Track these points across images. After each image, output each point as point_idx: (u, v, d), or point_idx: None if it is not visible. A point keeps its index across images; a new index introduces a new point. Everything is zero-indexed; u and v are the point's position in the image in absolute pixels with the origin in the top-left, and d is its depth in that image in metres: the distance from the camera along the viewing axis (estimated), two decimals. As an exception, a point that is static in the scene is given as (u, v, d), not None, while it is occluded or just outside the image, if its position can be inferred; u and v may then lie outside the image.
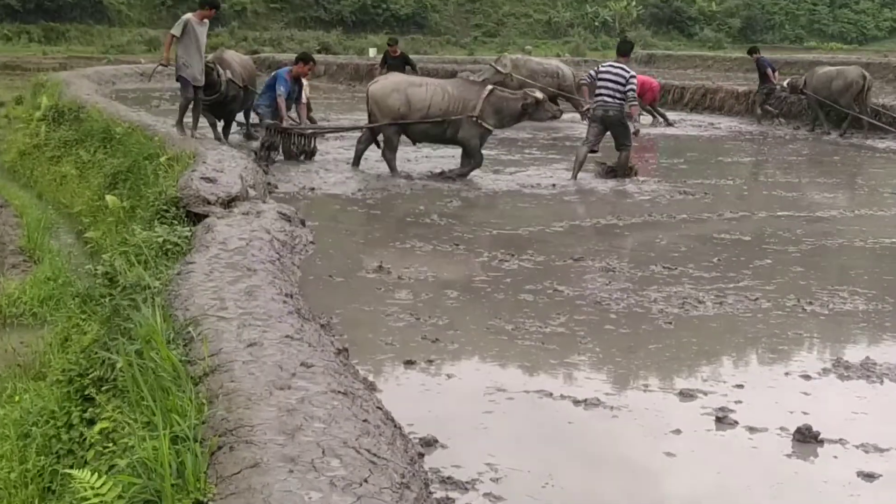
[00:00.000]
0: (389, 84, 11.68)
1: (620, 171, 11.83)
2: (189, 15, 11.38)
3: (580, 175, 11.79)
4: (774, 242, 8.61)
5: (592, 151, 11.83)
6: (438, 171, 11.86)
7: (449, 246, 8.14)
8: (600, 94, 11.57)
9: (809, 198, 11.10)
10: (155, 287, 5.14)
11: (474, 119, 11.47)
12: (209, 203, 7.43)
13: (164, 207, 7.29)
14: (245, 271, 5.60)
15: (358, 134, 12.53)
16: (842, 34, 56.18)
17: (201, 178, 7.93)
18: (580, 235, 8.88)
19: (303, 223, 8.18)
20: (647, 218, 9.63)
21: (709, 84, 22.94)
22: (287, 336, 4.39)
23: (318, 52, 40.55)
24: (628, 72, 11.44)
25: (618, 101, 11.44)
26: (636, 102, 11.80)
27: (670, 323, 6.10)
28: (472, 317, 6.20)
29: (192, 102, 11.54)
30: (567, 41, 50.48)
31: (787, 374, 5.34)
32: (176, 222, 7.02)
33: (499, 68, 18.02)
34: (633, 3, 55.76)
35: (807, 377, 5.27)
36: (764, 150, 15.93)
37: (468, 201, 10.42)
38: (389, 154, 11.75)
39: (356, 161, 12.09)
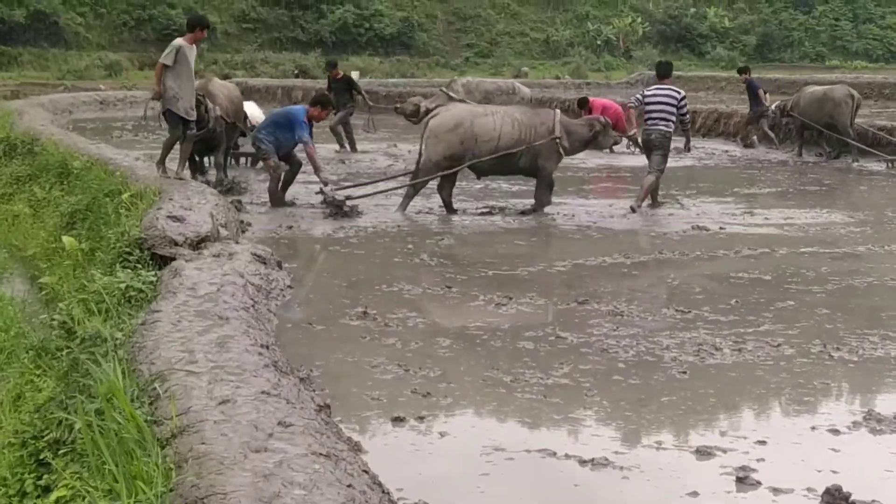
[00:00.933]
0: (452, 116, 11.69)
1: (644, 195, 12.28)
2: (179, 40, 11.03)
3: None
4: (797, 282, 8.64)
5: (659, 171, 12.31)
6: (497, 207, 11.96)
7: (440, 289, 8.15)
8: (651, 119, 12.20)
9: (835, 232, 11.16)
10: (117, 339, 5.13)
11: (556, 142, 11.70)
12: (176, 244, 7.45)
13: (127, 250, 7.30)
14: (216, 320, 5.60)
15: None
16: (867, 52, 56.87)
17: (168, 216, 7.95)
18: (584, 276, 8.91)
19: (279, 265, 8.19)
20: (657, 256, 9.68)
21: (722, 108, 23.02)
22: (263, 392, 4.39)
23: (296, 76, 40.90)
24: (679, 93, 12.21)
25: (665, 124, 12.13)
26: (689, 126, 12.73)
27: (684, 372, 6.11)
28: (467, 367, 6.20)
29: (181, 140, 11.23)
30: (567, 62, 50.96)
31: (813, 428, 5.35)
32: (140, 266, 7.03)
33: (451, 94, 18.10)
34: (639, 19, 56.40)
35: (835, 431, 5.28)
36: (781, 178, 16.04)
37: (461, 239, 10.45)
38: (446, 191, 11.76)
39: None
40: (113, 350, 4.87)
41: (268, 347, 5.36)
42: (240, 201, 11.60)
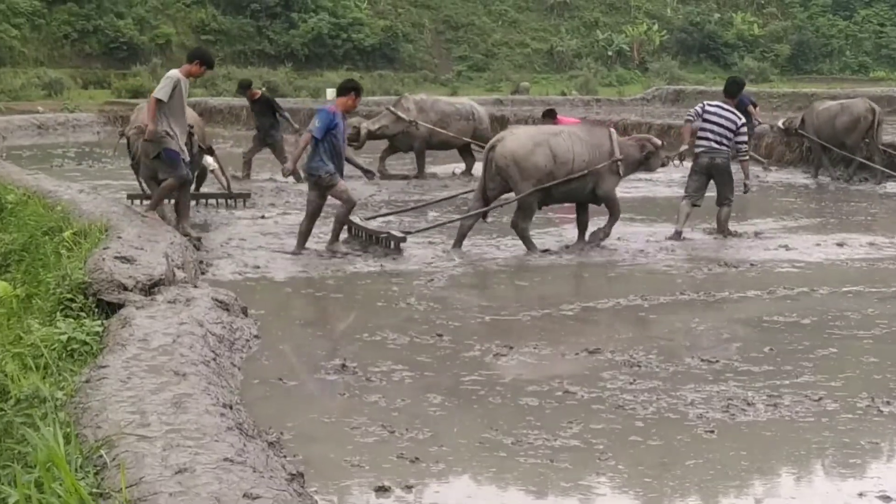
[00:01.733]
0: (528, 138, 11.81)
1: (719, 228, 12.77)
2: (177, 72, 11.15)
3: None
4: (841, 326, 8.67)
5: (695, 205, 12.71)
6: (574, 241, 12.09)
7: (430, 337, 8.16)
8: (706, 139, 12.58)
9: (882, 268, 11.22)
10: (57, 399, 5.13)
11: (617, 164, 11.94)
12: (126, 289, 7.45)
13: (69, 296, 7.30)
14: (172, 376, 5.60)
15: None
16: (918, 61, 57.31)
17: (116, 257, 7.97)
18: (596, 321, 8.92)
19: (245, 312, 8.20)
20: (679, 297, 9.71)
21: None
22: (226, 459, 4.38)
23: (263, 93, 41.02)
24: (740, 118, 12.74)
25: (726, 148, 12.62)
26: (747, 157, 13.09)
27: (712, 431, 6.12)
28: (462, 428, 6.20)
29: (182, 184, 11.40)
30: (573, 75, 51.31)
31: (861, 494, 5.36)
32: (84, 314, 7.02)
33: (400, 114, 18.09)
34: (655, 27, 56.86)
35: (886, 499, 5.29)
36: (823, 206, 16.12)
37: (453, 279, 10.48)
38: (524, 224, 11.82)
39: (458, 242, 11.87)
40: (53, 412, 4.86)
41: (231, 407, 5.36)
42: (199, 239, 11.63)
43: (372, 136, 18.20)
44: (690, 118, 12.95)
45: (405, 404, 6.56)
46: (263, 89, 21.22)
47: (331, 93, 37.13)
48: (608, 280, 10.63)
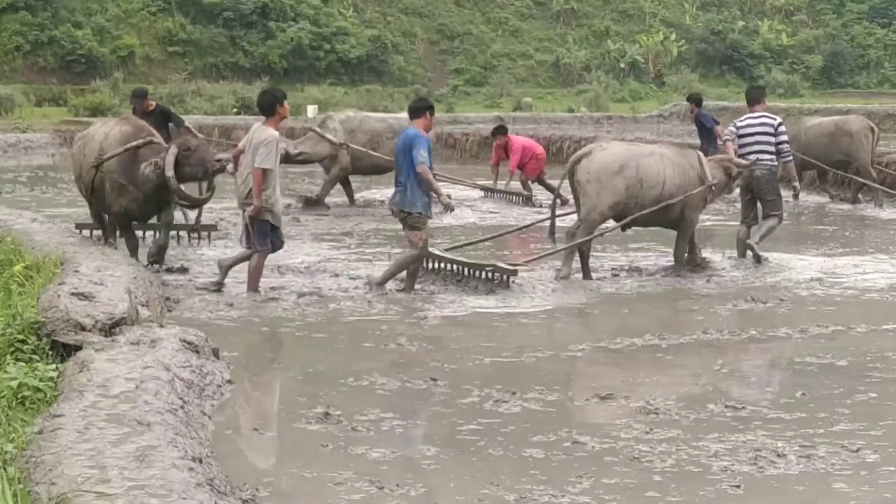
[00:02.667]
0: (618, 154, 12.07)
1: (763, 235, 13.09)
2: (274, 132, 10.97)
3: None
4: (880, 368, 8.67)
5: (750, 226, 13.19)
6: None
7: (423, 381, 8.16)
8: (750, 153, 13.07)
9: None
10: (7, 452, 5.12)
11: (711, 188, 12.36)
12: (84, 329, 7.45)
13: (20, 337, 7.29)
14: (135, 426, 5.60)
15: None
16: (964, 74, 57.59)
17: (72, 293, 7.97)
18: (607, 363, 8.92)
19: (216, 354, 8.19)
20: (700, 336, 9.71)
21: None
22: (195, 518, 4.38)
23: (237, 112, 41.22)
24: (774, 119, 13.26)
25: (769, 158, 13.07)
26: (790, 158, 13.47)
27: (738, 486, 6.11)
28: (459, 483, 6.19)
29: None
30: (582, 90, 51.55)
31: (905, 555, 5.35)
32: (37, 357, 7.02)
33: (327, 136, 17.51)
34: (673, 36, 57.16)
35: (933, 560, 5.28)
36: (859, 234, 16.16)
37: (449, 317, 10.48)
38: (585, 249, 12.09)
39: (586, 274, 12.01)
40: (2, 467, 4.85)
41: (201, 461, 5.35)
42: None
43: (291, 160, 17.37)
44: (728, 138, 13.47)
45: (396, 456, 6.55)
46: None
47: (312, 110, 37.30)
48: (621, 317, 10.63)
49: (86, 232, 13.08)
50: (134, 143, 11.67)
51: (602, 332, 9.96)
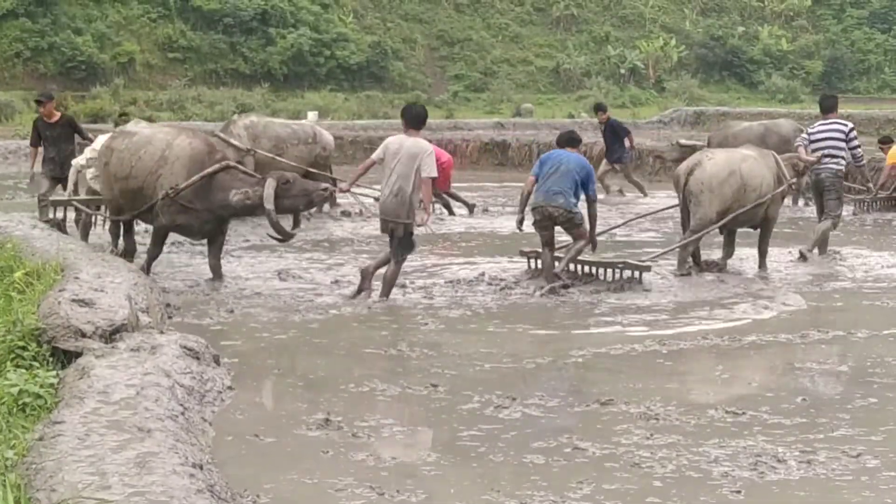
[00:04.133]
0: (724, 164, 12.71)
1: (814, 243, 13.83)
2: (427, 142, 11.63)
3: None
4: (881, 374, 8.68)
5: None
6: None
7: (424, 388, 8.16)
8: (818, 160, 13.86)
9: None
10: (7, 459, 5.12)
11: (791, 187, 13.38)
12: (84, 335, 7.45)
13: (21, 343, 7.30)
14: (135, 433, 5.60)
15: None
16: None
17: (73, 300, 7.97)
18: (608, 368, 8.92)
19: (217, 361, 8.19)
20: (701, 341, 9.71)
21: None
22: (196, 525, 4.38)
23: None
24: (846, 125, 14.11)
25: (834, 162, 13.91)
26: (863, 162, 14.59)
27: (739, 492, 6.11)
28: (460, 489, 6.19)
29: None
30: (582, 95, 51.60)
31: (905, 561, 5.35)
32: (37, 364, 7.02)
33: (233, 141, 16.56)
34: (673, 42, 57.22)
35: (934, 565, 5.28)
36: (866, 238, 16.16)
37: (449, 323, 10.48)
38: (688, 251, 12.63)
39: (700, 263, 12.79)
40: (2, 473, 4.85)
41: (202, 467, 5.35)
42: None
43: None
44: (800, 144, 14.18)
45: (396, 463, 6.55)
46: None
47: (312, 116, 37.27)
48: (621, 323, 10.63)
49: (58, 213, 13.38)
50: (214, 169, 11.56)
51: (601, 338, 9.96)
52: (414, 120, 11.25)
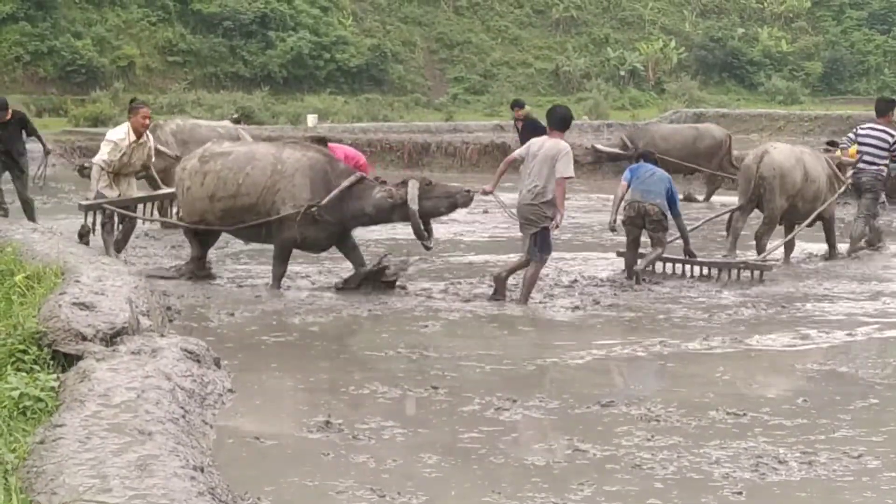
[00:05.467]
0: (790, 153, 13.56)
1: (850, 245, 14.31)
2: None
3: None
4: (882, 374, 8.70)
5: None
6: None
7: (424, 390, 8.17)
8: (863, 160, 14.21)
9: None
10: (8, 462, 5.12)
11: (841, 184, 14.01)
12: (85, 339, 7.45)
13: (21, 347, 7.30)
14: (136, 436, 5.60)
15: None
16: (965, 80, 57.58)
17: (73, 303, 7.97)
18: (609, 370, 8.93)
19: (217, 363, 8.20)
20: (701, 343, 9.72)
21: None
22: (197, 527, 4.38)
23: (236, 121, 41.20)
24: (892, 135, 14.34)
25: (874, 167, 14.31)
26: None
27: (740, 493, 6.12)
28: (460, 491, 6.19)
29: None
30: (582, 98, 51.52)
31: (907, 561, 5.35)
32: (38, 367, 7.02)
33: (161, 148, 15.38)
34: (673, 44, 57.22)
35: (935, 565, 5.29)
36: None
37: (449, 325, 10.49)
38: (766, 238, 13.43)
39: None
40: (3, 477, 4.85)
41: (203, 470, 5.35)
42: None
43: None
44: (844, 146, 14.63)
45: (397, 465, 6.55)
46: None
47: (312, 119, 37.30)
48: (622, 325, 10.64)
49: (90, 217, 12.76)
50: (351, 181, 11.56)
51: (601, 339, 9.96)
52: (557, 121, 11.44)
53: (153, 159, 13.48)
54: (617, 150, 21.34)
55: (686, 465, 6.53)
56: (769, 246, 13.38)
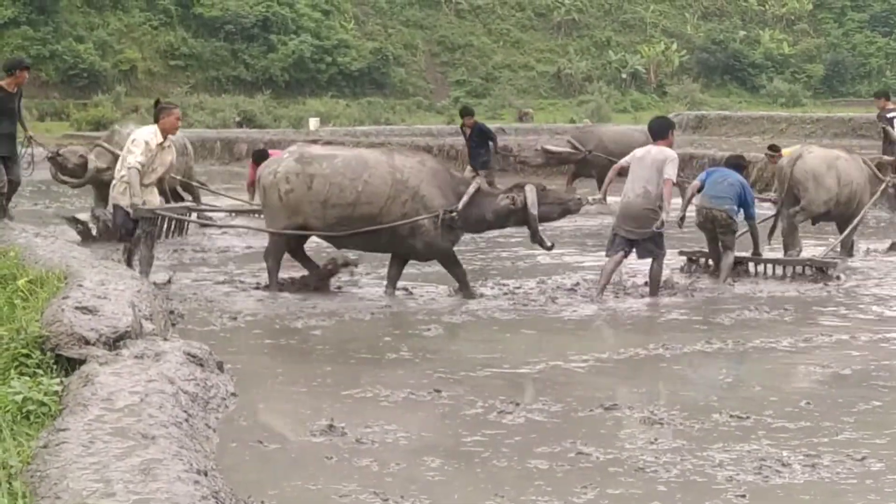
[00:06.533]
0: (823, 157, 13.89)
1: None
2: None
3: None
4: (885, 377, 8.69)
5: None
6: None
7: (427, 393, 8.16)
8: None
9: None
10: (12, 467, 5.12)
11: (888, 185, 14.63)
12: (88, 343, 7.45)
13: (24, 351, 7.30)
14: (140, 440, 5.60)
15: None
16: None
17: (76, 307, 7.97)
18: (612, 373, 8.92)
19: (220, 367, 8.20)
20: (704, 346, 9.71)
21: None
22: (201, 531, 4.38)
23: (239, 124, 41.30)
24: None
25: None
26: None
27: (743, 496, 6.11)
28: (463, 494, 6.19)
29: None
30: (584, 100, 51.64)
31: (910, 564, 5.35)
32: (41, 372, 7.02)
33: (115, 150, 15.11)
34: (674, 46, 57.26)
35: (939, 568, 5.28)
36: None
37: (451, 328, 10.49)
38: (793, 238, 13.72)
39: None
40: (7, 481, 4.85)
41: (206, 474, 5.35)
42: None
43: (95, 178, 15.82)
44: None
45: (400, 468, 6.55)
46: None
47: (314, 122, 37.33)
48: (624, 327, 10.63)
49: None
50: (476, 186, 11.74)
51: (605, 343, 9.97)
52: (657, 131, 12.11)
53: (172, 168, 12.74)
54: (568, 150, 21.31)
55: (689, 467, 6.53)
56: (833, 242, 13.96)
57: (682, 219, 12.66)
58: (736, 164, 13.19)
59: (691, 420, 7.47)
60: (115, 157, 14.44)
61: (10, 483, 4.84)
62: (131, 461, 5.22)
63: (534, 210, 11.34)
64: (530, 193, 11.39)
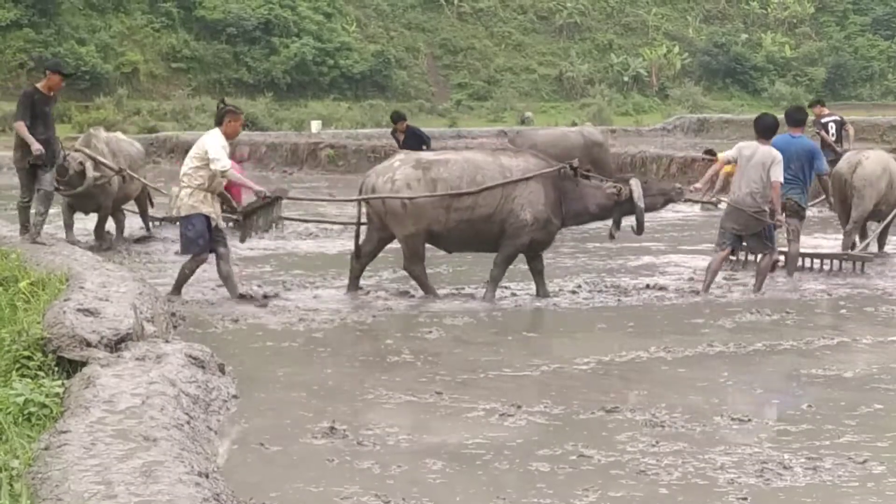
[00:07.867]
0: (879, 162, 14.22)
1: None
2: None
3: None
4: (886, 379, 8.68)
5: None
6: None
7: (429, 395, 8.16)
8: None
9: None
10: (13, 469, 5.12)
11: None
12: (89, 345, 7.46)
13: (26, 353, 7.31)
14: (141, 442, 5.60)
15: None
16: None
17: (78, 309, 7.98)
18: (614, 376, 8.92)
19: (222, 369, 8.21)
20: (706, 349, 9.71)
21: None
22: (202, 533, 4.38)
23: (242, 127, 41.18)
24: None
25: None
26: None
27: (745, 499, 6.11)
28: (465, 497, 6.19)
29: None
30: (586, 103, 51.64)
31: (912, 567, 5.35)
32: (42, 374, 7.03)
33: (101, 159, 14.86)
34: (676, 49, 57.27)
35: (941, 571, 5.28)
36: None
37: (453, 332, 10.48)
38: (853, 237, 14.13)
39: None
40: (8, 483, 4.85)
41: (208, 476, 5.36)
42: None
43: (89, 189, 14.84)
44: None
45: (401, 471, 6.55)
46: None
47: (316, 125, 37.33)
48: (626, 330, 10.63)
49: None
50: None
51: (606, 345, 9.96)
52: (764, 130, 12.21)
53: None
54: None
55: (691, 470, 6.53)
56: (867, 238, 14.34)
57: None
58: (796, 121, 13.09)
59: (693, 423, 7.46)
60: (95, 163, 14.56)
61: (11, 485, 4.84)
62: (133, 463, 5.23)
63: (640, 203, 11.68)
64: (636, 187, 11.73)
